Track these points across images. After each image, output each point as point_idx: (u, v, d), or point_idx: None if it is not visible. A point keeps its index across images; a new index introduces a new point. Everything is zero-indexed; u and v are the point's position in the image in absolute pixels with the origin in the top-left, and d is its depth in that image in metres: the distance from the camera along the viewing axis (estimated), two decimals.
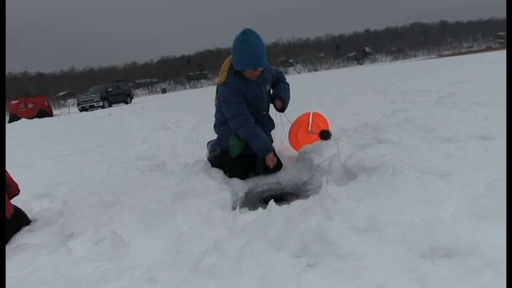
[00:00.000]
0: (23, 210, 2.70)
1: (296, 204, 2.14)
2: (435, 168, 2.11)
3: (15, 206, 2.61)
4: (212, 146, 3.51)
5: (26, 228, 2.55)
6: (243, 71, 3.00)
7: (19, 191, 2.72)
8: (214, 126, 3.40)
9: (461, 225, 1.54)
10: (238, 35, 2.94)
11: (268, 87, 3.27)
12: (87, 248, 2.02)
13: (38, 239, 2.35)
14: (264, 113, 3.29)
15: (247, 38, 2.89)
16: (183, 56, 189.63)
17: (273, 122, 3.43)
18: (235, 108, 3.06)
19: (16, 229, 2.51)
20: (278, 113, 3.34)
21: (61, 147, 7.00)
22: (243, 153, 3.14)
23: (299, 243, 1.61)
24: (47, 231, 2.46)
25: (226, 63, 3.11)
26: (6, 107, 25.95)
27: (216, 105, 3.31)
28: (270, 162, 3.06)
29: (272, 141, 3.38)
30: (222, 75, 3.09)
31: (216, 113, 3.35)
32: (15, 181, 2.70)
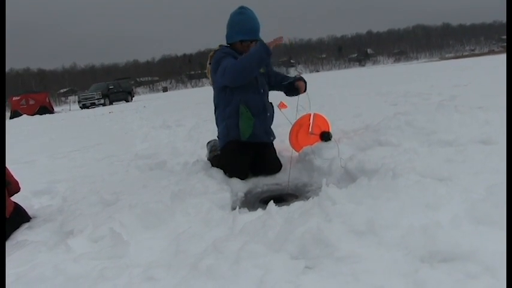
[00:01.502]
0: (23, 207, 2.70)
1: (295, 205, 2.15)
2: (435, 172, 2.11)
3: (15, 202, 2.62)
4: (213, 145, 3.51)
5: (26, 225, 2.56)
6: (241, 44, 3.09)
7: (19, 188, 2.72)
8: (218, 114, 3.26)
9: (461, 230, 1.54)
10: (236, 10, 3.12)
11: (261, 69, 3.22)
12: (86, 246, 2.02)
13: (37, 236, 2.35)
14: (262, 91, 3.22)
15: (245, 11, 3.08)
16: (184, 55, 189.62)
17: (272, 107, 3.37)
18: (230, 60, 2.95)
19: (16, 226, 2.51)
20: (281, 111, 3.33)
21: (62, 144, 7.01)
22: (243, 153, 3.14)
23: (298, 245, 1.61)
24: (47, 228, 2.46)
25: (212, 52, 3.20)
26: (7, 103, 25.98)
27: (211, 84, 3.25)
28: (272, 42, 2.83)
29: (274, 137, 3.37)
30: (212, 53, 3.17)
31: (217, 99, 3.23)
32: (15, 178, 2.70)
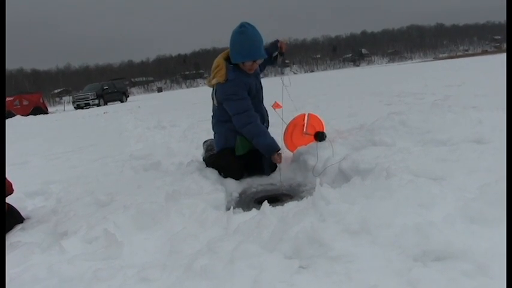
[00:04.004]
0: (17, 208, 2.68)
1: (290, 205, 2.15)
2: (429, 172, 2.12)
3: (8, 203, 2.60)
4: (209, 145, 3.50)
5: (19, 226, 2.54)
6: (243, 64, 3.05)
7: (13, 190, 2.70)
8: (216, 123, 3.30)
9: (454, 228, 1.55)
10: (236, 28, 3.01)
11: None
12: (80, 247, 2.01)
13: (31, 238, 2.34)
14: (262, 102, 3.33)
15: (245, 30, 2.97)
16: (179, 55, 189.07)
17: (266, 110, 3.42)
18: (240, 104, 3.04)
19: (9, 227, 2.49)
20: (275, 111, 3.34)
21: (56, 145, 6.97)
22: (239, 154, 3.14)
23: (292, 244, 1.61)
24: (41, 229, 2.45)
25: (219, 62, 3.10)
26: None
27: (215, 104, 3.26)
28: (277, 158, 3.04)
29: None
30: (218, 75, 3.08)
31: (217, 111, 3.26)
32: (9, 180, 2.68)
